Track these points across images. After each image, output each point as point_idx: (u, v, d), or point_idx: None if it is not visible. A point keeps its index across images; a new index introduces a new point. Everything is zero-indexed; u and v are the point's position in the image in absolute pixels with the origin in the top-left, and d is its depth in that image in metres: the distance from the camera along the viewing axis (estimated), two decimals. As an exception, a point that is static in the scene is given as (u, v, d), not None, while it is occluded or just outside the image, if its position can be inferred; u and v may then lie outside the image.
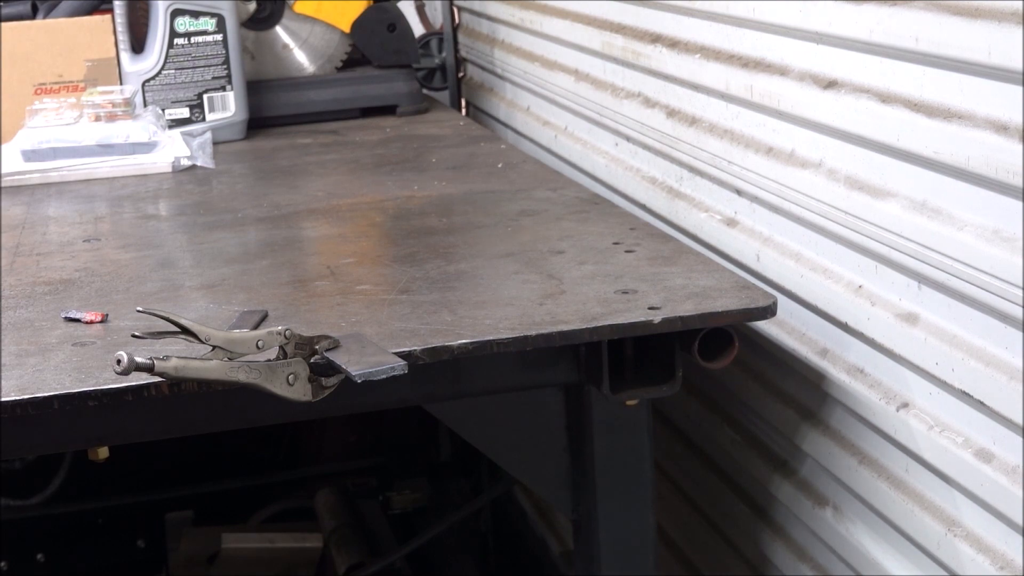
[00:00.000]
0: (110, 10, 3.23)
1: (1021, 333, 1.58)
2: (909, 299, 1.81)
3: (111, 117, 3.04)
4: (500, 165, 2.87)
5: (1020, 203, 1.54)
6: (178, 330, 1.53)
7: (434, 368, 1.78)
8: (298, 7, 3.54)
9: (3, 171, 2.88)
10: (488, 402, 1.98)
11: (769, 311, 1.87)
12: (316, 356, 1.52)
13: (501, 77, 3.68)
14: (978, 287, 1.65)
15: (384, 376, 1.51)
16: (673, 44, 2.48)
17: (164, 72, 3.22)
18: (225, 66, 3.26)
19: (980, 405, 1.68)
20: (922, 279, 1.77)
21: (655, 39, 2.56)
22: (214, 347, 1.46)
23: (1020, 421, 1.61)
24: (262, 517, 3.48)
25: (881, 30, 1.79)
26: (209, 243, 2.32)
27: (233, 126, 3.30)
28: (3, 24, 3.25)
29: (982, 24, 1.57)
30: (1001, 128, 1.56)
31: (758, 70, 2.15)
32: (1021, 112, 1.52)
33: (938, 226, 1.71)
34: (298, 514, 3.49)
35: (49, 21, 3.37)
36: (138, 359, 1.47)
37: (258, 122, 3.38)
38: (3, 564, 3.44)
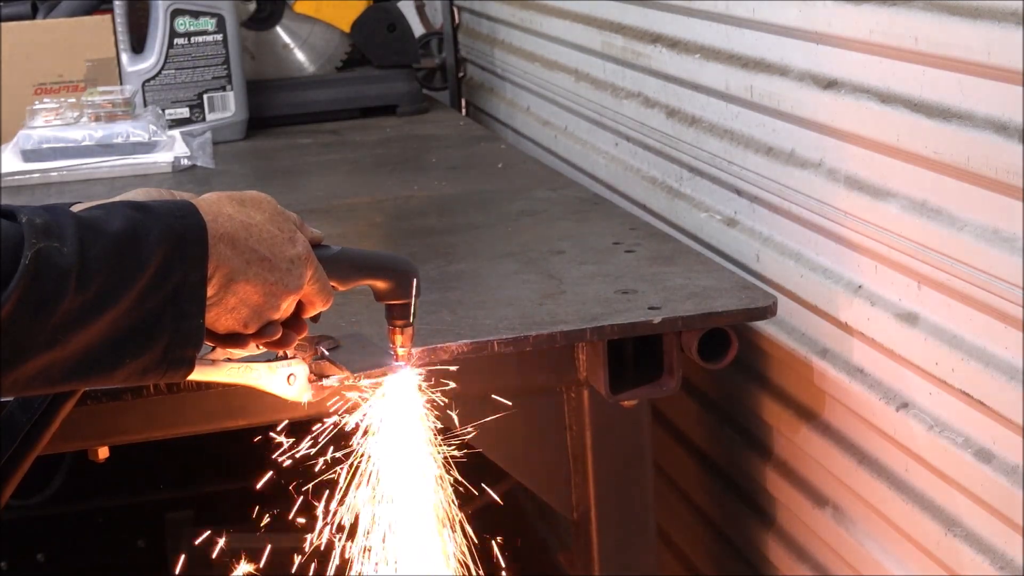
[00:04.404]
0: (110, 10, 3.23)
1: (1021, 333, 1.58)
2: (909, 299, 1.81)
3: (111, 117, 3.05)
4: (500, 165, 2.87)
5: (1020, 203, 1.54)
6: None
7: (434, 368, 1.77)
8: (298, 7, 3.54)
9: (3, 171, 2.88)
10: (488, 402, 1.98)
11: (769, 311, 1.87)
12: (316, 356, 1.52)
13: (501, 77, 3.68)
14: (978, 287, 1.65)
15: (384, 376, 1.51)
16: (673, 44, 2.48)
17: (164, 72, 3.22)
18: (225, 66, 3.26)
19: (980, 405, 1.68)
20: (922, 279, 1.77)
21: (655, 39, 2.56)
22: (214, 347, 1.46)
23: (1020, 421, 1.60)
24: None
25: (881, 30, 1.79)
26: (209, 243, 2.32)
27: (233, 126, 3.30)
28: (3, 24, 3.26)
29: (982, 24, 1.57)
30: (1001, 128, 1.56)
31: (758, 70, 2.15)
32: (1021, 112, 1.52)
33: (938, 226, 1.71)
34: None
35: (49, 21, 3.37)
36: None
37: (258, 122, 3.38)
38: (3, 564, 3.44)
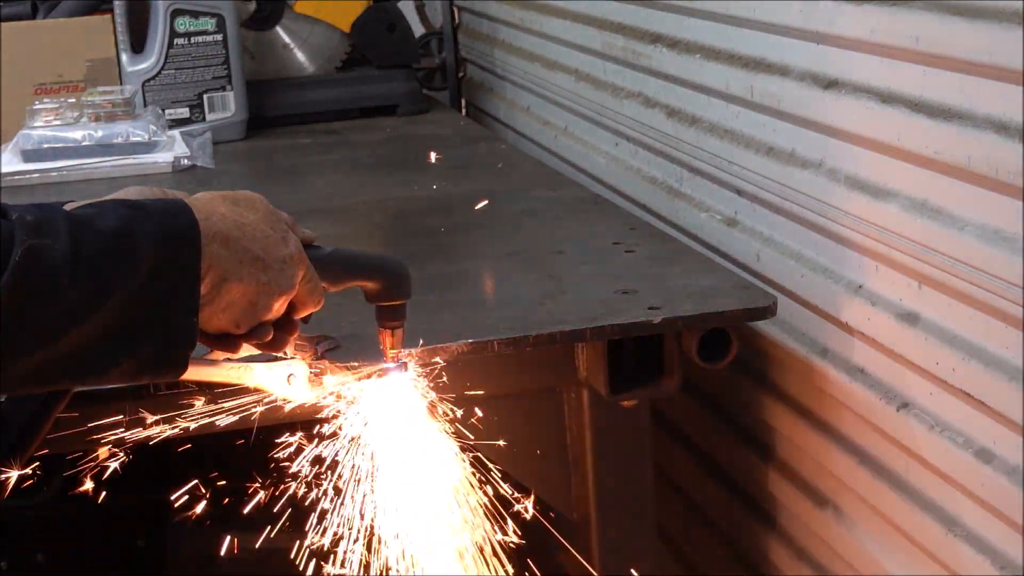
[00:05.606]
0: (110, 10, 3.23)
1: (1021, 333, 1.58)
2: (909, 299, 1.81)
3: (111, 117, 3.04)
4: (500, 165, 2.87)
5: (1020, 203, 1.54)
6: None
7: (434, 368, 1.77)
8: (298, 7, 3.54)
9: (3, 171, 2.88)
10: (487, 402, 1.98)
11: (769, 311, 1.87)
12: (316, 356, 1.52)
13: (501, 77, 3.68)
14: (978, 287, 1.65)
15: (386, 376, 1.51)
16: (673, 44, 2.48)
17: (164, 72, 3.22)
18: (225, 66, 3.26)
19: (980, 405, 1.68)
20: (922, 279, 1.77)
21: (655, 39, 2.56)
22: (211, 348, 1.46)
23: (1020, 421, 1.60)
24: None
25: (882, 30, 1.79)
26: (209, 243, 2.32)
27: (233, 126, 3.30)
28: (3, 24, 3.25)
29: (983, 24, 1.57)
30: (1001, 128, 1.56)
31: (759, 70, 2.15)
32: (1021, 112, 1.52)
33: (938, 226, 1.71)
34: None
35: (49, 21, 3.37)
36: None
37: (258, 122, 3.38)
38: (3, 564, 3.43)
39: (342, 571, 1.60)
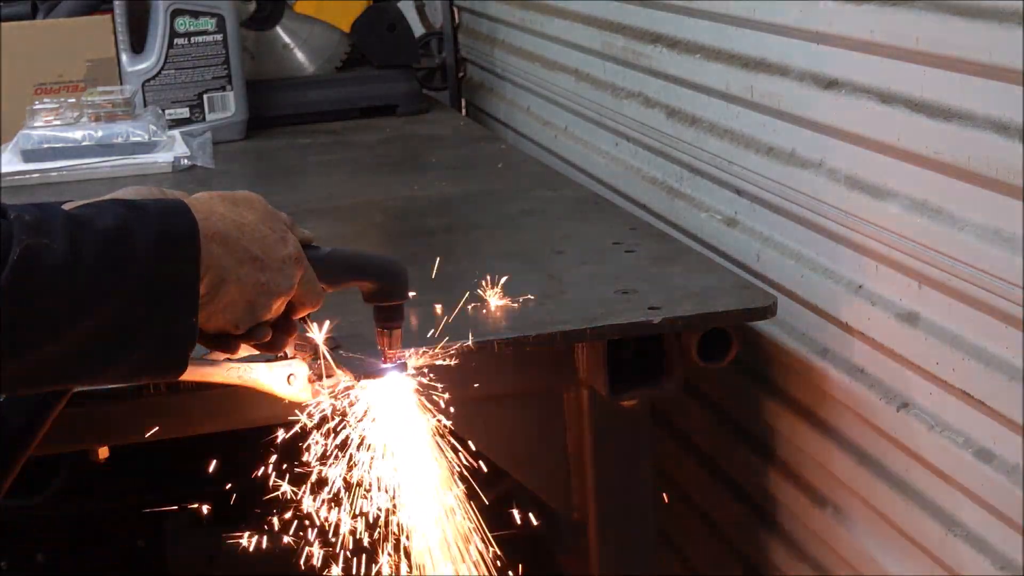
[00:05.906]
0: (110, 10, 3.23)
1: (1021, 333, 1.58)
2: (909, 299, 1.81)
3: (111, 117, 3.04)
4: (500, 165, 2.87)
5: (1020, 203, 1.54)
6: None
7: (433, 368, 1.77)
8: (298, 7, 3.54)
9: (3, 171, 2.88)
10: (488, 402, 1.98)
11: (769, 311, 1.87)
12: (316, 356, 1.52)
13: (501, 77, 3.68)
14: (978, 287, 1.65)
15: (384, 376, 1.51)
16: (673, 44, 2.48)
17: (164, 72, 3.22)
18: (225, 66, 3.26)
19: (980, 405, 1.68)
20: (922, 279, 1.77)
21: (655, 39, 2.56)
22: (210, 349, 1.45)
23: (1020, 421, 1.60)
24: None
25: (881, 30, 1.79)
26: (209, 243, 2.32)
27: (233, 126, 3.30)
28: (3, 24, 3.26)
29: (982, 24, 1.57)
30: (1001, 128, 1.56)
31: (758, 70, 2.15)
32: (1021, 112, 1.52)
33: (938, 226, 1.71)
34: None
35: (49, 21, 3.37)
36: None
37: (258, 122, 3.38)
38: (3, 564, 3.43)
39: (342, 572, 1.60)
